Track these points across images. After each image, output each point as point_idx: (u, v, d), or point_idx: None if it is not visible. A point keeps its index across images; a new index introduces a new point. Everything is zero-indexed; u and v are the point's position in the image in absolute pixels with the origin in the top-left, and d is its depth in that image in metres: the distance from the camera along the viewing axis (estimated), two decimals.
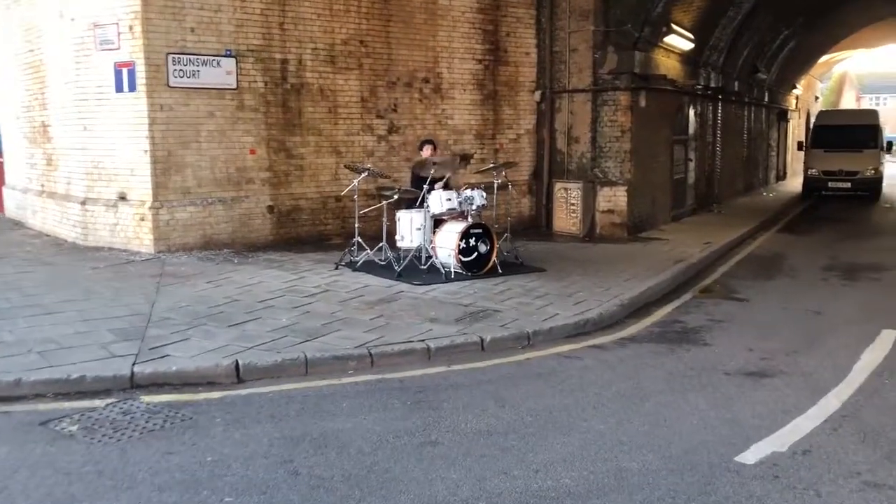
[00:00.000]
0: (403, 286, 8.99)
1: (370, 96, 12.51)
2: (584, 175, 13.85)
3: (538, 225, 14.41)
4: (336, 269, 9.92)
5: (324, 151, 12.13)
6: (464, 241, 9.49)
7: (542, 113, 14.42)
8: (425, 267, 9.64)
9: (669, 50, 15.24)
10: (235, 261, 10.44)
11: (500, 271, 9.78)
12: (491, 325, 7.35)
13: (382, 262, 9.91)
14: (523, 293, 8.83)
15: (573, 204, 13.67)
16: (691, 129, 17.27)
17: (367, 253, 9.91)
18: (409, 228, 9.80)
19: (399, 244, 9.90)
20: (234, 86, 11.17)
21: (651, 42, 14.13)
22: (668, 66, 15.29)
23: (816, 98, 42.17)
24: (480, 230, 9.69)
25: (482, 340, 6.93)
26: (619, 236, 13.54)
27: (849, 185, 22.60)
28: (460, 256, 9.49)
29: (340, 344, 6.63)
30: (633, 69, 13.46)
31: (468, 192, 9.84)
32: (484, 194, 10.02)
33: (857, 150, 22.86)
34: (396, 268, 9.50)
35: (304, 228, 12.01)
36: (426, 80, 13.09)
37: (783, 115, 29.92)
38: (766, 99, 25.83)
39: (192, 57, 10.75)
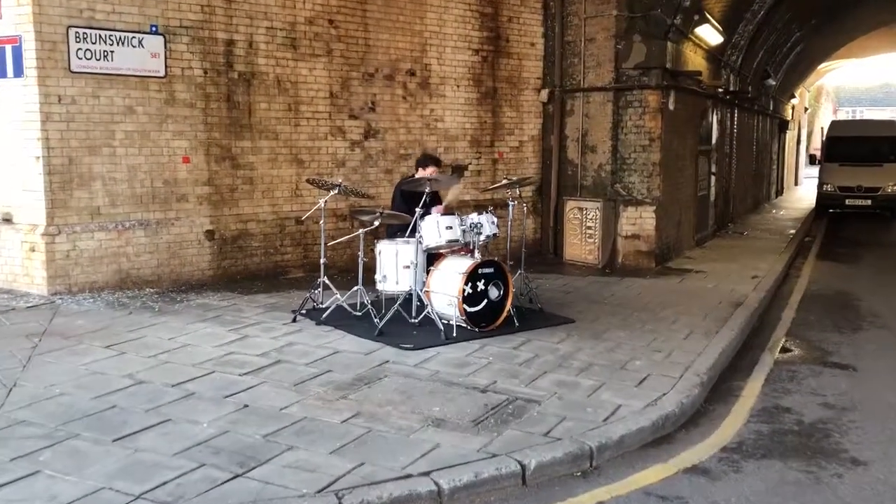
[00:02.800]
0: (388, 352, 6.36)
1: (342, 91, 9.87)
2: (603, 192, 11.35)
3: (543, 251, 11.88)
4: (294, 320, 7.26)
5: (281, 160, 9.46)
6: (470, 284, 6.91)
7: (549, 116, 11.91)
8: (417, 320, 7.03)
9: (698, 44, 12.84)
10: (157, 307, 7.71)
11: (516, 324, 7.21)
12: (529, 433, 4.75)
13: (357, 313, 7.27)
14: (558, 363, 6.25)
15: (589, 227, 11.15)
16: (714, 139, 14.89)
17: (337, 298, 7.28)
18: (395, 266, 7.18)
19: (380, 286, 7.28)
20: (162, 73, 8.47)
21: (682, 32, 11.70)
22: (695, 63, 12.89)
23: (806, 109, 40.46)
24: (491, 269, 7.11)
25: (523, 469, 4.32)
26: (646, 267, 11.06)
27: (869, 202, 20.47)
28: (465, 306, 6.89)
29: (291, 484, 3.97)
30: (664, 64, 11.02)
31: (475, 218, 7.25)
32: (495, 220, 7.44)
33: (876, 165, 20.77)
34: (377, 321, 6.88)
35: (253, 259, 9.31)
36: (411, 73, 10.50)
37: (784, 126, 27.88)
38: (771, 108, 23.71)
39: (103, 33, 8.03)
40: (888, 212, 20.70)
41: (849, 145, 21.44)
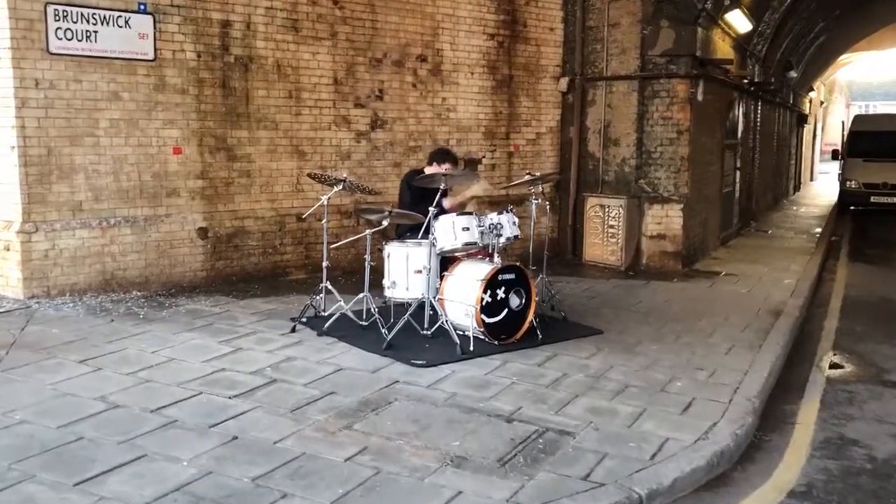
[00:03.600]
0: (398, 369, 5.65)
1: (347, 77, 9.14)
2: (626, 188, 10.60)
3: (562, 252, 11.13)
4: (293, 330, 6.55)
5: (281, 152, 8.74)
6: (489, 292, 6.19)
7: (568, 106, 11.15)
8: (430, 332, 6.31)
9: (726, 31, 12.06)
10: (143, 313, 7.01)
11: (539, 336, 6.49)
12: (565, 476, 4.03)
13: (363, 322, 6.57)
14: (590, 384, 5.53)
15: (612, 226, 10.41)
16: (739, 132, 14.11)
17: (341, 305, 6.56)
18: (405, 271, 6.45)
19: (388, 292, 6.55)
20: (152, 56, 7.75)
21: (712, 18, 10.93)
22: (723, 51, 12.11)
23: (822, 103, 39.56)
24: (513, 275, 6.39)
25: None
26: (672, 269, 10.31)
27: (895, 199, 19.64)
28: (483, 317, 6.17)
29: None
30: (693, 51, 10.25)
31: (494, 217, 6.52)
32: (516, 220, 6.72)
33: None
34: (384, 332, 6.16)
35: (251, 260, 8.60)
36: (422, 59, 9.76)
37: (802, 120, 27.05)
38: (791, 100, 22.90)
39: (85, 11, 7.31)
40: None
41: (873, 140, 20.59)
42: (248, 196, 8.53)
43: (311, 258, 8.93)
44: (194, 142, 8.10)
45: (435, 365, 5.74)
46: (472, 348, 6.06)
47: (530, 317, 6.50)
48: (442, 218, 6.39)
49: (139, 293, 7.68)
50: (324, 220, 6.67)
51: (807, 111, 28.44)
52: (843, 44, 26.22)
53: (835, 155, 22.40)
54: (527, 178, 7.15)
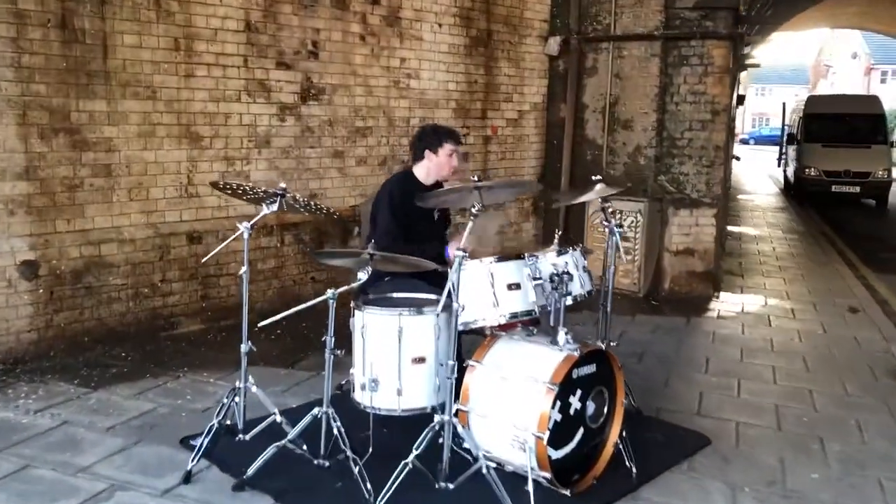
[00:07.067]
0: None
1: (265, 22, 6.01)
2: (641, 187, 7.93)
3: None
4: (186, 479, 3.48)
5: (162, 135, 5.55)
6: (558, 404, 3.34)
7: (559, 75, 8.37)
8: (451, 484, 3.40)
9: None
10: None
11: (634, 471, 3.68)
12: None
13: (321, 462, 3.55)
14: None
15: (626, 239, 7.72)
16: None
17: (275, 418, 3.58)
18: (395, 358, 3.50)
19: (362, 397, 3.59)
20: None
21: None
22: None
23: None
24: (593, 366, 3.56)
25: None
26: (702, 294, 7.76)
27: (858, 189, 18.00)
28: (550, 450, 3.33)
29: None
30: (736, 3, 7.65)
31: (556, 261, 3.66)
32: (585, 262, 3.89)
33: (863, 146, 18.30)
34: (366, 490, 3.23)
35: (113, 308, 5.40)
36: (374, 1, 6.72)
37: (741, 101, 25.36)
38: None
39: None
40: (874, 199, 18.38)
41: (830, 123, 18.94)
42: (108, 206, 5.32)
43: (210, 300, 5.83)
44: (11, 118, 4.84)
45: None
46: None
47: (614, 435, 3.70)
48: (471, 265, 3.47)
49: None
50: (243, 270, 3.60)
51: (742, 91, 26.88)
52: (783, 16, 24.67)
53: (790, 139, 20.62)
54: (599, 187, 4.22)
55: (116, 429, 3.96)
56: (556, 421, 3.36)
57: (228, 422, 3.75)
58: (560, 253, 3.74)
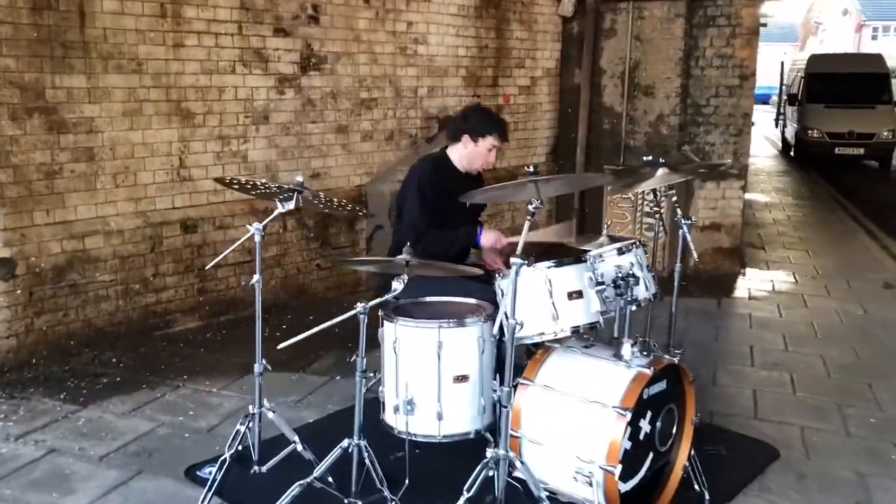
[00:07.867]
0: None
1: None
2: (665, 157, 7.40)
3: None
4: None
5: (150, 113, 4.97)
6: (629, 430, 2.87)
7: (573, 39, 7.81)
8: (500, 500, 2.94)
9: None
10: None
11: (707, 497, 3.23)
12: None
13: (353, 502, 3.05)
14: None
15: (648, 213, 7.23)
16: None
17: (295, 446, 3.10)
18: (436, 378, 3.02)
19: (395, 421, 3.12)
20: None
21: None
22: None
23: None
24: (664, 384, 3.09)
25: None
26: (729, 272, 7.34)
27: (862, 150, 17.56)
28: (621, 485, 2.86)
29: None
30: None
31: (620, 262, 3.17)
32: (645, 259, 3.40)
33: (867, 106, 17.81)
34: None
35: (101, 307, 4.85)
36: None
37: None
38: None
39: None
40: (877, 161, 18.01)
41: (833, 83, 18.40)
42: (92, 194, 4.76)
43: (207, 293, 5.30)
44: None
45: None
46: None
47: (683, 458, 3.24)
48: (526, 272, 2.96)
49: None
50: (255, 279, 3.07)
51: None
52: None
53: (791, 100, 20.09)
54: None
55: (111, 458, 3.46)
56: (625, 450, 2.89)
57: (240, 446, 3.26)
58: (622, 251, 3.24)
